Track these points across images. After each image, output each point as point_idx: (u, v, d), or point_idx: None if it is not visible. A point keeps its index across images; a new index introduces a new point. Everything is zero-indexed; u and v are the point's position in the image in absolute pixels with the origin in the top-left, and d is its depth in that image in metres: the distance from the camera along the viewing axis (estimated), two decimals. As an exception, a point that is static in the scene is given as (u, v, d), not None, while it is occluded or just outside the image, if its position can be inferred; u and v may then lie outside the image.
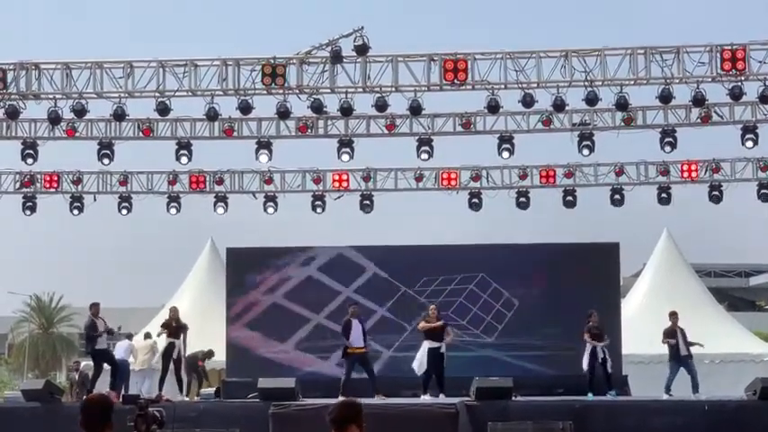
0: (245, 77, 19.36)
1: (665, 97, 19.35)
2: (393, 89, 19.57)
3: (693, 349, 19.62)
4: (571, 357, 20.71)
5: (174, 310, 21.16)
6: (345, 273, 23.76)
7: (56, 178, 24.14)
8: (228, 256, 24.84)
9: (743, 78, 18.90)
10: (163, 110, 19.74)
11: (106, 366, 19.62)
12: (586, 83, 19.13)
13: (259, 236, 36.00)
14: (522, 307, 23.21)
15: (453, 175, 24.18)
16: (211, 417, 17.19)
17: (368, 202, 24.49)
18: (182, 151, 22.03)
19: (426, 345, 19.33)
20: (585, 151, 21.81)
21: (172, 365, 20.52)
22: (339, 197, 24.76)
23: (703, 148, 24.55)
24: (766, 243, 65.52)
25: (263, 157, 22.23)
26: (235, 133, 22.02)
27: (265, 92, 19.53)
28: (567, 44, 19.59)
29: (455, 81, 18.86)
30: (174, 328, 20.58)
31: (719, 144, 27.41)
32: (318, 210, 24.61)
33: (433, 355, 19.13)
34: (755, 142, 21.20)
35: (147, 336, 24.13)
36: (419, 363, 19.45)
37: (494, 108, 19.72)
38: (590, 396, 19.05)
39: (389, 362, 22.54)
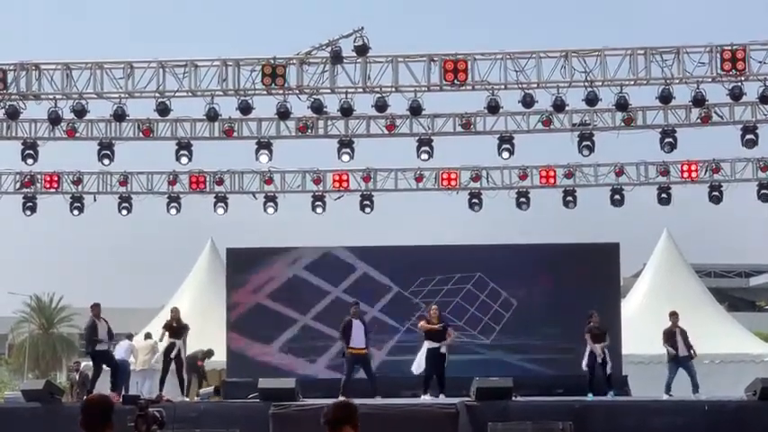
0: (245, 78, 19.37)
1: (665, 97, 19.35)
2: (393, 89, 19.57)
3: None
4: (571, 358, 20.72)
5: (175, 311, 21.19)
6: (333, 272, 23.75)
7: (56, 178, 24.14)
8: (228, 257, 24.85)
9: (743, 79, 18.91)
10: (163, 110, 19.74)
11: (106, 367, 19.64)
12: (586, 83, 19.13)
13: (259, 236, 36.11)
14: (522, 307, 23.19)
15: (453, 176, 24.18)
16: (212, 417, 17.18)
17: (368, 202, 24.49)
18: (182, 151, 22.04)
19: (426, 345, 19.33)
20: (585, 151, 21.81)
21: (173, 366, 20.54)
22: (339, 197, 24.76)
23: (703, 149, 24.62)
24: (766, 243, 65.63)
25: (264, 158, 22.24)
26: (235, 133, 22.02)
27: (265, 92, 19.53)
28: (567, 44, 19.63)
29: (455, 81, 18.86)
30: (175, 328, 20.62)
31: (719, 144, 27.35)
32: (318, 210, 24.61)
33: (434, 355, 19.11)
34: (755, 142, 21.21)
35: (148, 336, 24.14)
36: (417, 363, 19.45)
37: (494, 108, 19.73)
38: (590, 396, 19.05)
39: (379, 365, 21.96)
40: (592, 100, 19.32)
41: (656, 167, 23.90)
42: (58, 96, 19.87)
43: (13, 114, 20.03)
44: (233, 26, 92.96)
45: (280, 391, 17.34)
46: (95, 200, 24.54)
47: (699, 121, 21.16)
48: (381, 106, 19.73)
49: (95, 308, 19.50)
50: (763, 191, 23.37)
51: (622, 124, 21.47)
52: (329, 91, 19.63)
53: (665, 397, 18.82)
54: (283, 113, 20.03)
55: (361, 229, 62.87)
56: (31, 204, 24.16)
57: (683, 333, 19.62)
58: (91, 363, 20.67)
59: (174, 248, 64.28)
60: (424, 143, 21.85)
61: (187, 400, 20.41)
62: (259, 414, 16.78)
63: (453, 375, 19.16)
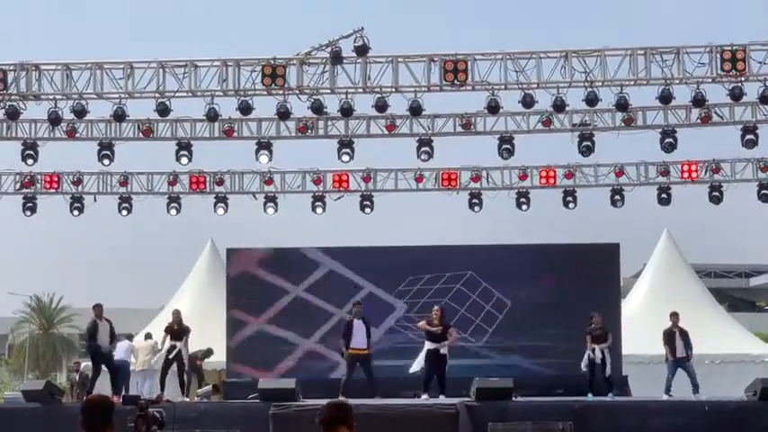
0: (246, 78, 19.37)
1: (666, 98, 19.36)
2: (393, 90, 19.58)
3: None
4: (571, 358, 20.70)
5: (176, 314, 21.17)
6: (295, 271, 23.75)
7: (56, 179, 24.13)
8: (229, 257, 24.85)
9: (743, 79, 18.91)
10: (163, 110, 19.75)
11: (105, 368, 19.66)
12: (586, 83, 19.14)
13: (259, 236, 36.01)
14: (521, 308, 23.17)
15: (453, 176, 24.17)
16: (212, 417, 17.18)
17: (368, 202, 24.48)
18: (182, 152, 22.04)
19: (426, 345, 19.31)
20: (586, 152, 21.81)
21: (174, 367, 20.54)
22: (339, 198, 24.76)
23: (703, 149, 24.60)
24: (766, 243, 65.59)
25: (264, 158, 22.24)
26: (235, 134, 22.03)
27: (265, 92, 19.53)
28: (567, 44, 19.60)
29: (455, 81, 18.85)
30: (176, 331, 20.63)
31: (719, 144, 27.42)
32: (318, 210, 24.61)
33: (434, 355, 19.10)
34: (755, 143, 21.21)
35: (148, 336, 24.14)
36: (417, 363, 19.44)
37: (494, 108, 19.73)
38: (590, 396, 19.06)
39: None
40: (592, 100, 19.32)
41: (656, 168, 23.90)
42: (57, 97, 19.87)
43: (13, 115, 20.03)
44: (233, 26, 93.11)
45: (280, 391, 17.36)
46: (95, 200, 24.54)
47: (699, 121, 21.16)
48: (381, 106, 19.73)
49: (97, 308, 19.52)
50: (763, 191, 23.37)
51: (622, 124, 21.47)
52: (329, 91, 19.63)
53: (665, 397, 18.81)
54: (283, 114, 20.04)
55: (361, 230, 62.93)
56: (31, 205, 24.15)
57: (683, 333, 19.60)
58: (91, 363, 20.68)
59: (174, 249, 64.35)
60: (424, 143, 21.85)
61: (187, 400, 20.41)
62: (259, 414, 16.77)
63: (453, 375, 19.13)
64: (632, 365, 23.05)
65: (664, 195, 23.90)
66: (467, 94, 19.98)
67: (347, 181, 24.32)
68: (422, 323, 19.68)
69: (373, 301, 22.88)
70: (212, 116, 20.12)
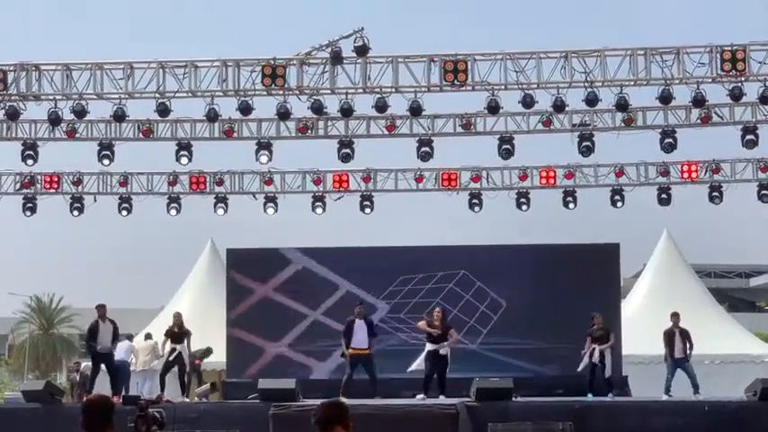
0: (245, 78, 19.36)
1: (665, 98, 19.35)
2: (393, 90, 19.57)
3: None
4: (571, 358, 20.69)
5: (177, 317, 21.11)
6: (265, 269, 23.84)
7: (56, 179, 24.12)
8: (229, 257, 24.85)
9: (743, 79, 18.90)
10: (163, 111, 19.74)
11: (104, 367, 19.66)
12: (586, 83, 19.13)
13: (259, 236, 36.22)
14: (521, 308, 23.16)
15: (453, 176, 24.16)
16: (212, 418, 17.19)
17: (368, 202, 24.47)
18: (182, 152, 22.03)
19: (427, 346, 19.30)
20: (586, 152, 21.80)
21: (175, 368, 20.53)
22: (339, 198, 24.75)
23: (703, 149, 24.62)
24: (766, 243, 65.60)
25: (264, 158, 22.23)
26: (235, 134, 22.02)
27: (265, 93, 19.52)
28: (567, 45, 19.61)
29: (455, 82, 18.85)
30: (177, 334, 20.60)
31: (719, 145, 27.41)
32: (318, 210, 24.60)
33: (434, 356, 19.09)
34: (755, 143, 21.21)
35: (148, 336, 24.14)
36: (417, 362, 19.44)
37: (494, 109, 19.73)
38: (590, 397, 19.05)
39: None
40: (592, 100, 19.32)
41: (656, 168, 23.89)
42: (57, 97, 19.85)
43: (13, 115, 20.02)
44: (233, 26, 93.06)
45: (280, 391, 17.35)
46: (95, 200, 24.52)
47: (699, 121, 21.15)
48: (381, 107, 19.73)
49: (101, 309, 19.52)
50: (763, 191, 23.37)
51: (622, 125, 21.46)
52: (329, 91, 19.63)
53: (665, 397, 18.81)
54: (283, 114, 20.03)
55: (361, 230, 62.91)
56: (31, 205, 24.14)
57: (684, 334, 19.59)
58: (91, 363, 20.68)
59: (174, 249, 64.33)
60: (425, 143, 21.84)
61: (187, 400, 20.40)
62: (259, 414, 16.78)
63: (453, 376, 19.14)
64: (632, 366, 23.04)
65: (664, 195, 23.90)
66: (467, 95, 19.98)
67: (347, 181, 24.31)
68: (421, 323, 19.66)
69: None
70: (212, 116, 20.12)
